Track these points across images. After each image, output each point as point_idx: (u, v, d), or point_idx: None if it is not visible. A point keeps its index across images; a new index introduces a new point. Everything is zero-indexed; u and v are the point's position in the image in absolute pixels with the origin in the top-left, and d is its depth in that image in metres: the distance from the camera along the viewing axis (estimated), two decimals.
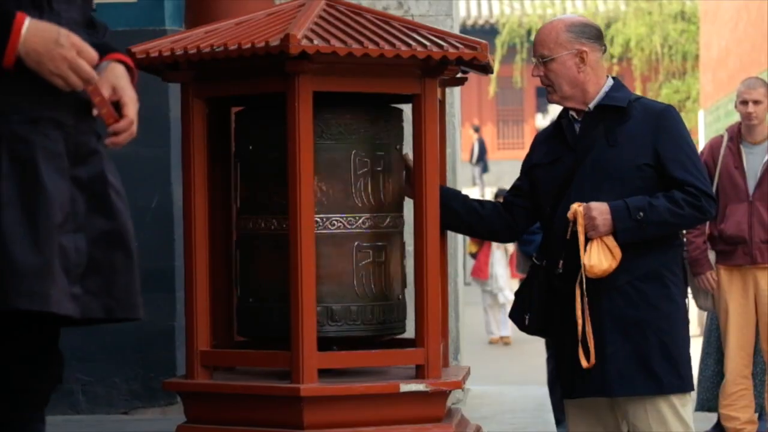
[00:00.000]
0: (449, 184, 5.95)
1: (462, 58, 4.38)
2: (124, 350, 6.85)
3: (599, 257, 4.20)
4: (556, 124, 4.50)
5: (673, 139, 4.30)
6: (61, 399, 6.79)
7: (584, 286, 4.19)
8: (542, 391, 8.16)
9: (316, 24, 4.30)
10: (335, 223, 4.45)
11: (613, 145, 4.29)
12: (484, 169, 29.75)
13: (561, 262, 4.26)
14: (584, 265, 4.19)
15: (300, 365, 4.24)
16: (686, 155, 4.31)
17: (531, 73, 4.46)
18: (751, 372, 7.18)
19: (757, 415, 7.28)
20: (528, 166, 4.57)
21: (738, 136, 7.10)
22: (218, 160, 4.70)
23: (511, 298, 4.55)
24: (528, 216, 4.56)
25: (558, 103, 4.43)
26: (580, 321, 4.20)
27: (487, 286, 14.95)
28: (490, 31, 29.31)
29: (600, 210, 4.20)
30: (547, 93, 4.43)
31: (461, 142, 8.12)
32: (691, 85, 26.05)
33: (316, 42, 4.16)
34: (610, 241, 4.20)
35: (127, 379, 6.89)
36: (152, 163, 6.85)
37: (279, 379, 4.38)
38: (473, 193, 27.26)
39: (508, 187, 4.95)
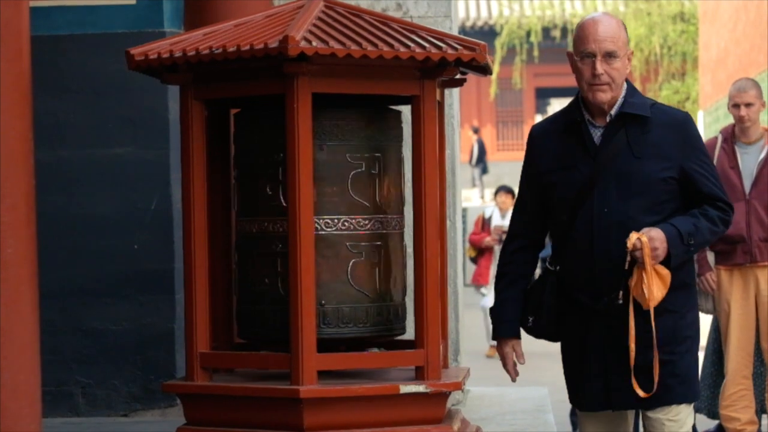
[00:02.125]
0: (449, 185, 5.96)
1: (461, 59, 4.38)
2: (123, 352, 6.84)
3: (656, 288, 4.19)
4: (569, 126, 4.32)
5: (698, 153, 4.30)
6: (60, 401, 6.78)
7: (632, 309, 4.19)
8: (542, 392, 8.15)
9: (315, 26, 4.30)
10: (333, 224, 4.45)
11: (639, 157, 4.23)
12: (484, 171, 29.75)
13: (621, 293, 4.20)
14: (647, 296, 4.15)
15: (299, 367, 4.24)
16: (711, 168, 4.33)
17: (596, 69, 4.20)
18: (751, 372, 7.18)
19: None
20: (535, 172, 4.37)
21: (732, 137, 7.13)
22: (217, 162, 4.70)
23: None
24: (545, 228, 4.45)
25: (606, 103, 4.26)
26: (633, 346, 4.18)
27: (487, 290, 14.13)
28: (489, 33, 29.30)
29: (660, 239, 4.16)
30: (599, 90, 4.23)
31: (460, 143, 8.10)
32: (690, 85, 26.03)
33: (314, 44, 4.16)
34: (662, 269, 4.18)
35: (126, 382, 6.88)
36: (151, 165, 6.85)
37: (279, 380, 4.38)
38: (473, 193, 27.24)
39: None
